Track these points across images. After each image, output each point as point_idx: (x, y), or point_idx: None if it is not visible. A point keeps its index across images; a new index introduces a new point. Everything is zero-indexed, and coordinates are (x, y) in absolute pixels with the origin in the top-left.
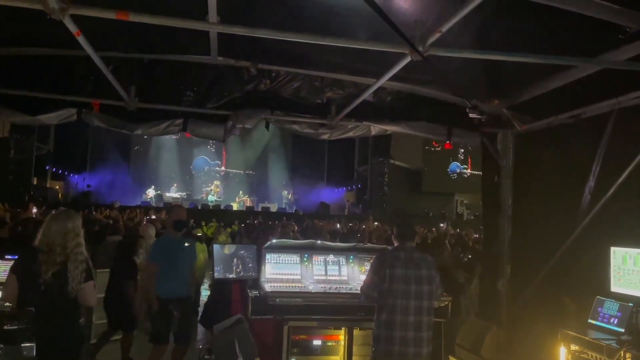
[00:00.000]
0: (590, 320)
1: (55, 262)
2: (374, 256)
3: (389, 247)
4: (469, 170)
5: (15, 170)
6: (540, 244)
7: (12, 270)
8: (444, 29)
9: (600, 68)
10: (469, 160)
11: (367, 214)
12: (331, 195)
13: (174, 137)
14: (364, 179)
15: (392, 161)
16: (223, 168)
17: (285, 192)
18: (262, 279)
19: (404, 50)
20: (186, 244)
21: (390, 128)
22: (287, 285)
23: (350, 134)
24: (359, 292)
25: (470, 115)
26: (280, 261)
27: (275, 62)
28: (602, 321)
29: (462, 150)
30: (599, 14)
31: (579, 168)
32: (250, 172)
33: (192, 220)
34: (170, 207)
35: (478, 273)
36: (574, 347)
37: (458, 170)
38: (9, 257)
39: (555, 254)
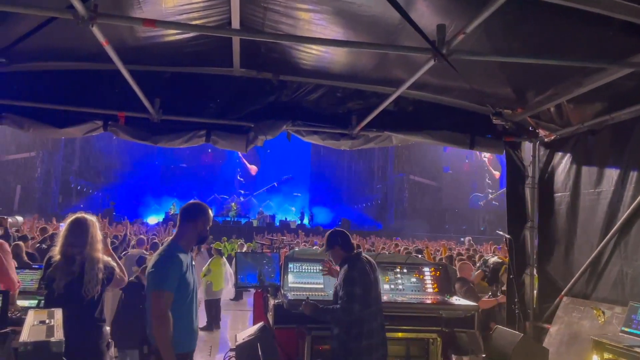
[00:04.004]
0: (623, 328)
1: (73, 272)
2: (349, 269)
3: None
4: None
5: (41, 187)
6: (568, 253)
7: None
8: (468, 30)
9: (627, 72)
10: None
11: (390, 233)
12: (351, 211)
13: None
14: (383, 195)
15: (412, 177)
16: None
17: (308, 211)
18: (285, 288)
19: (427, 54)
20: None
21: (412, 138)
22: (310, 294)
23: (372, 144)
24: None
25: (495, 121)
26: (303, 270)
27: (296, 73)
28: (637, 329)
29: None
30: (624, 16)
31: (606, 175)
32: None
33: (211, 236)
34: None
35: (504, 284)
36: (607, 356)
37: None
38: (36, 266)
39: (585, 263)
